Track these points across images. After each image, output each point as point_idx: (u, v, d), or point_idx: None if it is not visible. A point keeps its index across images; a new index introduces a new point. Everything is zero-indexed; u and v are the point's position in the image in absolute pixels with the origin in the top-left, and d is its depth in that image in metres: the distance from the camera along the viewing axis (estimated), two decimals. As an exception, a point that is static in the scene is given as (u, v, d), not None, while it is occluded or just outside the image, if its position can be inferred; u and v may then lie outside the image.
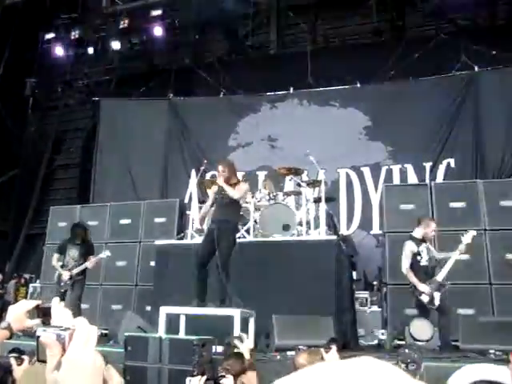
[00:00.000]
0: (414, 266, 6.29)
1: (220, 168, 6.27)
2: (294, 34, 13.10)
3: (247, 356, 3.68)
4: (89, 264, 7.51)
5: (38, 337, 0.99)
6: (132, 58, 13.19)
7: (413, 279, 6.24)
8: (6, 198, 14.69)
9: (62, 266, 7.61)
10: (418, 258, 6.31)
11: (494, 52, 10.46)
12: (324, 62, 11.94)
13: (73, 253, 7.57)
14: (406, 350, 3.61)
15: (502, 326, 5.75)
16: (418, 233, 6.49)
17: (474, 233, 6.39)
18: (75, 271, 7.47)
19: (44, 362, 0.97)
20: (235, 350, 3.73)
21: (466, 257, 6.96)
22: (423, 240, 6.46)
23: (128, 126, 12.61)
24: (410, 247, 6.35)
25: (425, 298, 6.16)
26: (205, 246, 6.16)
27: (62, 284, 7.48)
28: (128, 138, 12.58)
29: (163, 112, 12.61)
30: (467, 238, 6.29)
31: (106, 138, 12.99)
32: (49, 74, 14.91)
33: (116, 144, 12.70)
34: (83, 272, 7.57)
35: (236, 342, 3.80)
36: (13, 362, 2.59)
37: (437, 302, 6.11)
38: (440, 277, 6.21)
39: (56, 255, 7.76)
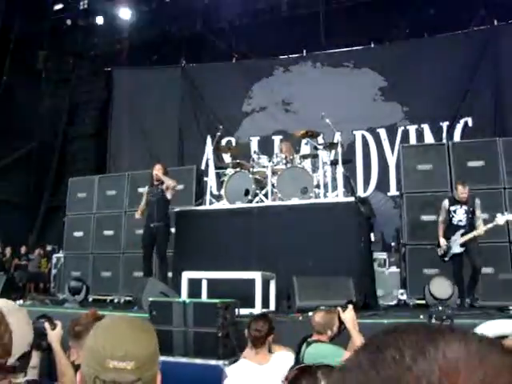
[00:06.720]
0: (448, 222, 6.63)
1: None
2: (306, -5, 12.79)
3: None
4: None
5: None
6: (142, 26, 13.04)
7: (438, 232, 6.67)
8: (25, 172, 14.86)
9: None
10: (450, 216, 6.62)
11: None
12: (337, 22, 11.70)
13: None
14: (440, 308, 3.65)
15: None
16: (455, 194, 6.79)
17: (511, 217, 6.36)
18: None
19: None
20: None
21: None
22: (462, 202, 6.56)
23: (142, 95, 12.57)
24: (443, 203, 6.74)
25: (439, 251, 6.60)
26: None
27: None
28: (142, 106, 12.56)
29: (176, 79, 12.54)
30: (501, 220, 6.32)
31: (119, 107, 13.00)
32: (60, 46, 14.83)
33: (130, 113, 12.71)
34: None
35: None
36: (47, 326, 2.65)
37: (447, 258, 6.51)
38: (460, 240, 6.42)
39: None
